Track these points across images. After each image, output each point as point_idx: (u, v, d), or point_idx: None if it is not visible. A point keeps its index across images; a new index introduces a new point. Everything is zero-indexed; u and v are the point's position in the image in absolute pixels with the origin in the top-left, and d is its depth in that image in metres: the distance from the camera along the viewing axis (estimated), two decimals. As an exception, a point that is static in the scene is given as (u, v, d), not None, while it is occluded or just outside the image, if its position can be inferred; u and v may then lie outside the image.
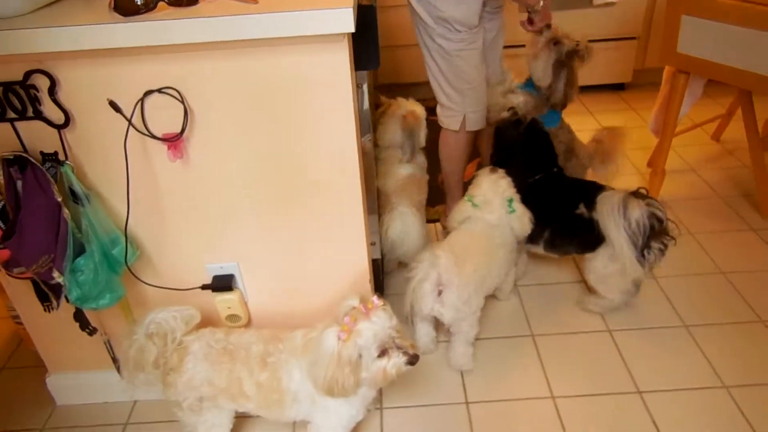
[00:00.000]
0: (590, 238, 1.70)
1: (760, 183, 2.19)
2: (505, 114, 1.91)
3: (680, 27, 1.97)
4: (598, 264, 1.73)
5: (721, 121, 2.73)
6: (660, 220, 1.61)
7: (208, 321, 1.48)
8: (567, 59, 1.96)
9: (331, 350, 1.19)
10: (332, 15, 1.05)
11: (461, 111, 1.89)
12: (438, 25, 1.73)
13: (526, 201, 1.75)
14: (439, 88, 1.88)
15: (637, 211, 1.57)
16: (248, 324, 1.51)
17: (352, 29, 1.06)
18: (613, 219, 1.58)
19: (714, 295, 1.88)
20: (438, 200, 2.28)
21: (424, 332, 1.68)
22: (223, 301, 1.44)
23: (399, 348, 1.24)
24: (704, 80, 2.27)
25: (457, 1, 1.66)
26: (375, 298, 1.25)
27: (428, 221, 2.16)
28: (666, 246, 1.65)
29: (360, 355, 1.20)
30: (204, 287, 1.41)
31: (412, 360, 1.24)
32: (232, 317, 1.47)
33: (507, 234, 1.70)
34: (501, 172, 1.73)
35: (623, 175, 2.52)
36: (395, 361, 1.23)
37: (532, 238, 1.81)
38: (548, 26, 1.93)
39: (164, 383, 1.32)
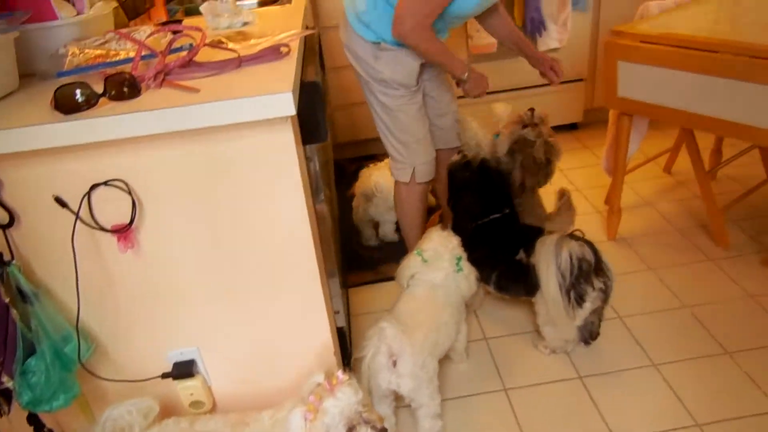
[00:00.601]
0: (531, 282, 1.74)
1: (711, 214, 2.26)
2: (456, 157, 1.96)
3: (618, 72, 2.05)
4: (541, 308, 1.77)
5: (671, 154, 2.82)
6: (589, 262, 1.63)
7: (172, 410, 1.44)
8: (523, 146, 1.95)
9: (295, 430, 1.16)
10: (273, 100, 1.06)
11: (410, 163, 1.92)
12: (378, 84, 1.80)
13: (475, 242, 1.79)
14: (387, 142, 1.94)
15: (565, 253, 1.61)
16: (213, 409, 1.47)
17: (293, 112, 1.08)
18: (545, 261, 1.63)
19: (680, 330, 1.90)
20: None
21: (384, 415, 1.62)
22: (185, 388, 1.40)
23: (367, 422, 1.21)
24: (647, 119, 2.36)
25: (395, 63, 1.71)
26: (339, 373, 1.23)
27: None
28: (607, 287, 1.67)
29: None
30: (164, 376, 1.37)
31: None
32: (196, 404, 1.43)
33: (452, 293, 1.70)
34: (450, 231, 1.76)
35: (583, 214, 2.58)
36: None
37: (483, 279, 1.85)
38: (531, 109, 1.96)
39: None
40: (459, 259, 1.70)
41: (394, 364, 1.48)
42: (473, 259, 1.78)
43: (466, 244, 1.77)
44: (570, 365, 1.81)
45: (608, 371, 1.78)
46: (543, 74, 1.95)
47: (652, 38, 1.95)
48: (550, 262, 1.62)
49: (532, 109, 1.96)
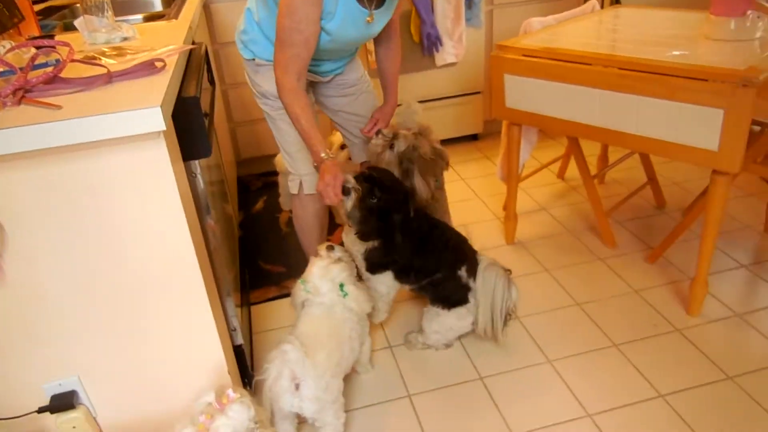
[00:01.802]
0: (458, 298, 1.80)
1: (598, 216, 2.40)
2: (349, 198, 1.71)
3: (504, 84, 2.15)
4: (450, 319, 1.84)
5: (563, 161, 2.98)
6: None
7: (53, 446, 1.35)
8: (410, 155, 1.88)
9: None
10: (139, 116, 1.03)
11: (297, 174, 1.92)
12: (261, 96, 1.84)
13: (405, 250, 1.79)
14: (281, 152, 1.94)
15: (515, 294, 1.79)
16: (100, 441, 1.39)
17: (164, 127, 1.05)
18: (498, 295, 1.77)
19: (572, 327, 1.99)
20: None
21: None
22: (67, 422, 1.32)
23: None
24: (537, 128, 2.48)
25: (271, 77, 1.67)
26: (230, 392, 1.20)
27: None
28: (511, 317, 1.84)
29: None
30: (41, 410, 1.29)
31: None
32: (80, 437, 1.35)
33: (348, 310, 1.70)
34: (334, 255, 1.73)
35: (483, 221, 2.68)
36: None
37: (412, 282, 1.87)
38: (378, 133, 1.92)
39: None
40: (342, 285, 1.68)
41: (297, 387, 1.45)
42: (406, 265, 1.82)
43: (401, 252, 1.79)
44: (471, 367, 1.86)
45: (507, 370, 1.84)
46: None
47: (534, 52, 2.06)
48: (499, 297, 1.77)
49: (378, 131, 1.93)
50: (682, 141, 1.77)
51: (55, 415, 1.31)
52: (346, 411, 1.64)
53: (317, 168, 1.68)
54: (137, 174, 1.14)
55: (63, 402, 1.30)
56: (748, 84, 1.56)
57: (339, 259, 1.72)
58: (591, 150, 2.91)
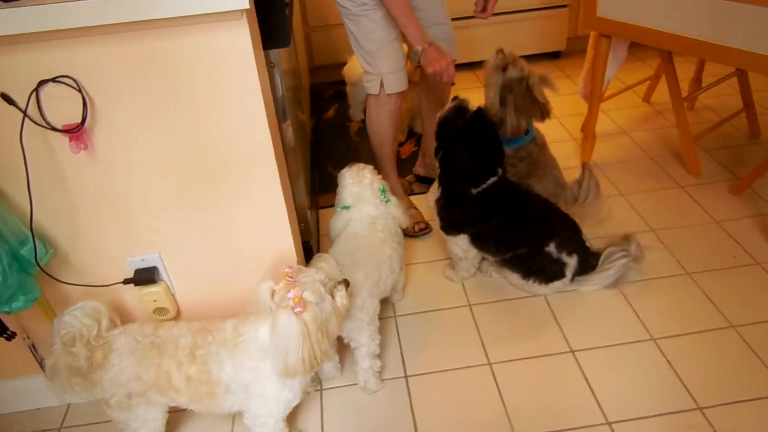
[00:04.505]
0: (554, 271, 1.76)
1: (684, 142, 2.26)
2: (449, 104, 1.75)
3: (598, -9, 2.00)
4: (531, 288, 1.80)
5: (651, 82, 2.79)
6: None
7: (136, 317, 1.46)
8: (516, 86, 1.84)
9: (296, 330, 1.16)
10: (224, -9, 1.01)
11: (377, 73, 1.87)
12: None
13: (482, 212, 1.72)
14: (357, 53, 1.89)
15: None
16: (178, 316, 1.48)
17: (247, 5, 1.04)
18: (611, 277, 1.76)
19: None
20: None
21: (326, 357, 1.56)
22: (148, 294, 1.40)
23: (336, 287, 1.26)
24: (627, 43, 2.32)
25: None
26: (287, 268, 1.22)
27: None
28: None
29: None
30: (126, 282, 1.38)
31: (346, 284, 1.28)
32: (160, 310, 1.44)
33: (390, 225, 1.63)
34: (363, 165, 1.66)
35: (559, 141, 2.57)
36: (341, 295, 1.26)
37: (492, 253, 1.80)
38: (500, 51, 1.86)
39: (90, 381, 1.28)
40: (383, 190, 1.63)
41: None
42: (482, 232, 1.75)
43: (473, 216, 1.73)
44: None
45: (570, 289, 1.81)
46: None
47: (634, -46, 1.89)
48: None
49: (500, 50, 1.87)
50: (794, 57, 1.61)
51: (138, 287, 1.39)
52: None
53: (418, 52, 1.73)
54: (221, 54, 1.13)
55: (146, 276, 1.38)
56: None
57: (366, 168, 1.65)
58: (684, 74, 2.70)
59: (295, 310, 1.15)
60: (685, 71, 2.71)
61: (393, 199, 1.66)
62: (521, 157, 1.93)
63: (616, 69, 2.37)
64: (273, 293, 1.20)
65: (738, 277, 1.80)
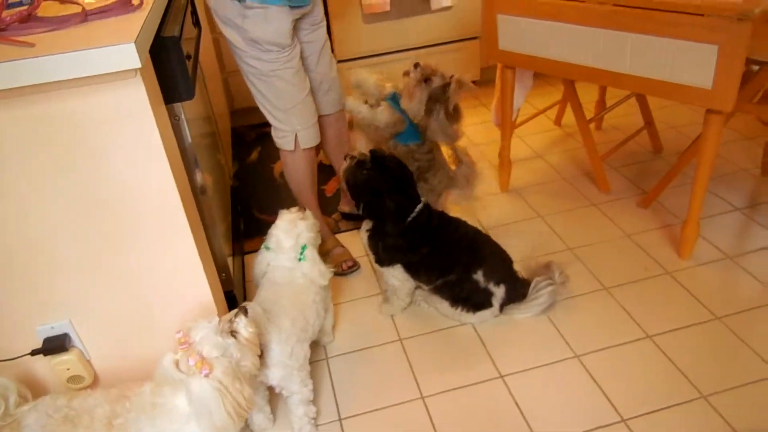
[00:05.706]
0: (480, 301, 1.79)
1: (593, 162, 2.38)
2: (345, 163, 1.76)
3: (498, 25, 2.10)
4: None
5: (560, 106, 2.94)
6: None
7: (50, 389, 1.38)
8: (441, 95, 1.92)
9: (211, 393, 1.13)
10: (113, 52, 1.01)
11: (291, 130, 1.87)
12: (249, 47, 1.71)
13: (413, 242, 1.74)
14: (265, 110, 1.87)
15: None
16: (96, 383, 1.42)
17: (139, 64, 1.03)
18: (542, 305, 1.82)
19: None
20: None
21: (256, 408, 1.53)
22: (60, 363, 1.34)
23: (233, 321, 1.24)
24: (532, 72, 2.44)
25: (264, 21, 1.64)
26: (177, 334, 1.20)
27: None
28: None
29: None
30: (34, 353, 1.31)
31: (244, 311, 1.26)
32: (75, 378, 1.38)
33: (304, 276, 1.60)
34: (303, 215, 1.63)
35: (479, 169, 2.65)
36: (242, 326, 1.24)
37: (424, 281, 1.82)
38: (416, 65, 1.93)
39: (-1, 463, 1.21)
40: (304, 247, 1.59)
41: (261, 354, 1.37)
42: (413, 261, 1.77)
43: (405, 246, 1.75)
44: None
45: (495, 313, 1.86)
46: None
47: (527, -10, 2.00)
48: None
49: (417, 64, 1.95)
50: (676, 80, 1.73)
51: (48, 357, 1.33)
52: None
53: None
54: (118, 115, 1.12)
55: (56, 344, 1.32)
56: (744, 18, 1.51)
57: (305, 219, 1.63)
58: (589, 96, 2.86)
59: (203, 374, 1.13)
60: (591, 94, 2.88)
61: (310, 257, 1.59)
62: (423, 152, 2.05)
63: (523, 97, 2.48)
64: (177, 363, 1.17)
65: (650, 287, 1.90)
